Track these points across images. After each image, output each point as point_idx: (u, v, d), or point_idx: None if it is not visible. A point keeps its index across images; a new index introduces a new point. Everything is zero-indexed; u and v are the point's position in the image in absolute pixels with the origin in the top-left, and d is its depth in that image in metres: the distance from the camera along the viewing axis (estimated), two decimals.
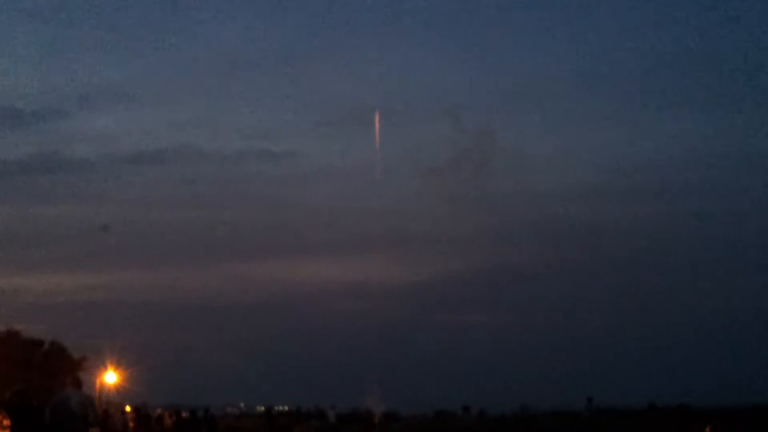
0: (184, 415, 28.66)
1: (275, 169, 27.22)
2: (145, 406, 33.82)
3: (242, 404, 57.82)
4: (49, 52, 27.44)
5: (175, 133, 28.63)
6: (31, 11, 27.94)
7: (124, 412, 30.73)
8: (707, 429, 23.40)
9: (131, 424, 28.42)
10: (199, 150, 27.04)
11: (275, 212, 27.31)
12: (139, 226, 27.53)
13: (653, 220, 28.05)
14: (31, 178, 26.77)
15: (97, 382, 34.28)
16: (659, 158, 27.84)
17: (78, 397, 14.85)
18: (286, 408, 49.61)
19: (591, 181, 27.46)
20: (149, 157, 27.28)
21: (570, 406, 30.82)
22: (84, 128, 27.14)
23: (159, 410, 34.72)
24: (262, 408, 45.07)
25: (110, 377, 34.77)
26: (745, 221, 26.96)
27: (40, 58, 28.00)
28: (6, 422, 16.87)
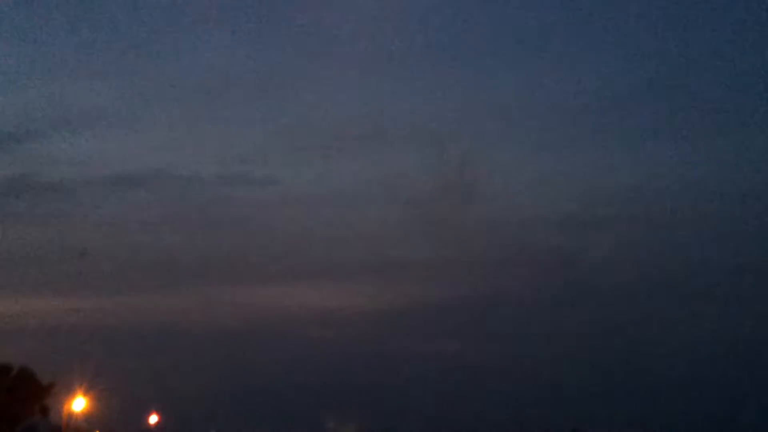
0: None
1: (253, 194, 27.41)
2: None
3: None
4: (28, 74, 27.62)
5: (153, 156, 28.83)
6: (10, 32, 27.99)
7: None
8: None
9: None
10: (176, 174, 27.12)
11: (252, 237, 27.34)
12: (114, 249, 27.35)
13: (630, 248, 28.18)
14: (6, 199, 26.72)
15: (66, 408, 33.71)
16: (638, 186, 28.16)
17: (45, 428, 14.50)
18: None
19: (569, 209, 27.71)
20: (126, 180, 27.31)
21: None
22: (62, 150, 27.17)
23: None
24: None
25: (79, 403, 34.19)
26: (724, 250, 27.20)
27: (19, 80, 28.08)
28: None
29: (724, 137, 29.65)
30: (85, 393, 33.88)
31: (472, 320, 28.51)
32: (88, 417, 34.88)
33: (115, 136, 27.55)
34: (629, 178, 29.44)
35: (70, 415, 33.33)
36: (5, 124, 28.02)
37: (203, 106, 28.31)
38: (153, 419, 41.62)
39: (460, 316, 28.40)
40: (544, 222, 30.00)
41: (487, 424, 37.66)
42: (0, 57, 28.67)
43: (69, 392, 32.99)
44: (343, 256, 28.29)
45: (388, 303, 29.21)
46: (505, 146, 28.53)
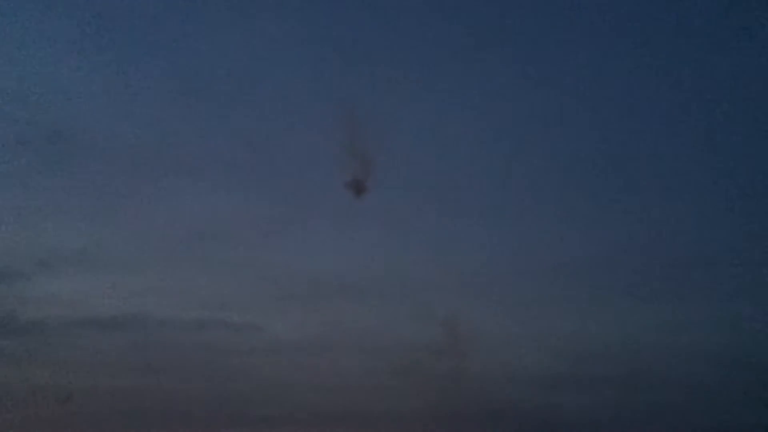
0: None
1: (232, 339, 27.73)
2: None
3: None
4: (10, 215, 28.27)
5: (134, 299, 29.28)
6: None
7: None
8: None
9: None
10: (156, 318, 27.53)
11: (231, 383, 27.43)
12: (92, 392, 27.33)
13: (611, 408, 28.40)
14: None
15: None
16: (619, 346, 28.68)
17: None
18: None
19: (545, 367, 28.13)
20: (106, 322, 27.63)
21: None
22: (43, 291, 27.67)
23: None
24: None
25: None
26: (709, 413, 27.48)
27: (2, 220, 28.79)
28: None
29: (709, 304, 30.59)
30: None
31: None
32: None
33: (97, 278, 28.29)
34: (613, 339, 30.13)
35: None
36: None
37: (185, 252, 29.33)
38: None
39: None
40: (520, 379, 30.43)
41: None
42: None
43: None
44: (321, 405, 28.41)
45: None
46: (483, 303, 29.50)
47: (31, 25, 34.27)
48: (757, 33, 34.30)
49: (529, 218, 34.98)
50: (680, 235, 34.03)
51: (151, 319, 31.74)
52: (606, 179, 35.43)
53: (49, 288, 31.65)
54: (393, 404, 31.84)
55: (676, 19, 35.56)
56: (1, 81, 33.54)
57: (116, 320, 31.41)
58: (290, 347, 31.40)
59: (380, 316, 32.13)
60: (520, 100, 36.68)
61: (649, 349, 31.88)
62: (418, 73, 35.51)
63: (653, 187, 35.17)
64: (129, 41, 34.96)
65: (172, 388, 30.71)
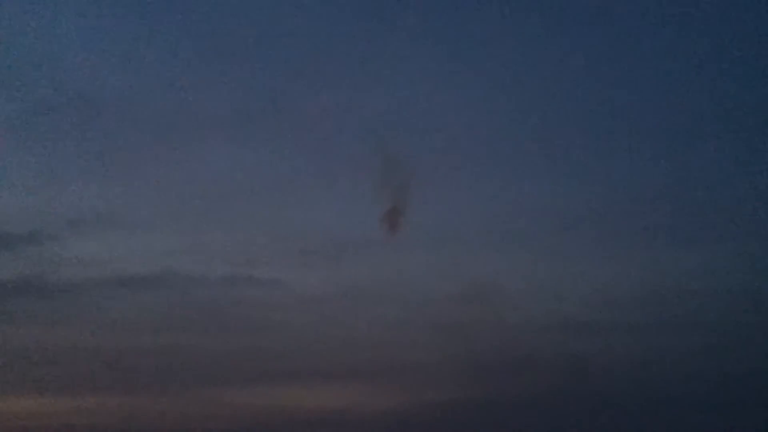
0: None
1: (259, 295, 27.86)
2: None
3: None
4: (37, 178, 28.59)
5: (160, 258, 29.51)
6: (22, 137, 29.35)
7: None
8: None
9: None
10: (182, 275, 27.78)
11: (257, 338, 27.62)
12: (119, 351, 27.65)
13: (639, 354, 28.21)
14: (15, 300, 27.26)
15: None
16: (645, 292, 28.31)
17: None
18: None
19: (575, 314, 27.89)
20: (133, 281, 27.92)
21: None
22: (70, 252, 27.96)
23: None
24: None
25: None
26: (737, 357, 27.17)
27: (28, 183, 29.12)
28: None
29: (740, 246, 30.00)
30: None
31: (476, 423, 28.37)
32: None
33: (123, 238, 28.52)
34: (640, 285, 29.69)
35: None
36: (15, 226, 29.03)
37: (210, 210, 29.41)
38: None
39: (465, 419, 28.27)
40: (550, 326, 30.23)
41: None
42: (13, 162, 29.94)
43: None
44: (348, 358, 28.50)
45: (394, 404, 29.15)
46: (508, 255, 29.23)
47: None
48: None
49: (551, 170, 34.55)
50: (703, 180, 33.42)
51: (179, 277, 31.91)
52: (625, 128, 34.86)
53: (78, 249, 31.91)
54: (421, 356, 31.79)
55: None
56: (21, 46, 33.68)
57: (145, 280, 31.63)
58: (317, 302, 31.41)
59: (405, 270, 32.00)
60: (530, 54, 36.14)
61: (676, 294, 31.46)
62: None
63: (675, 133, 34.52)
64: (151, 2, 34.85)
65: (202, 345, 30.92)
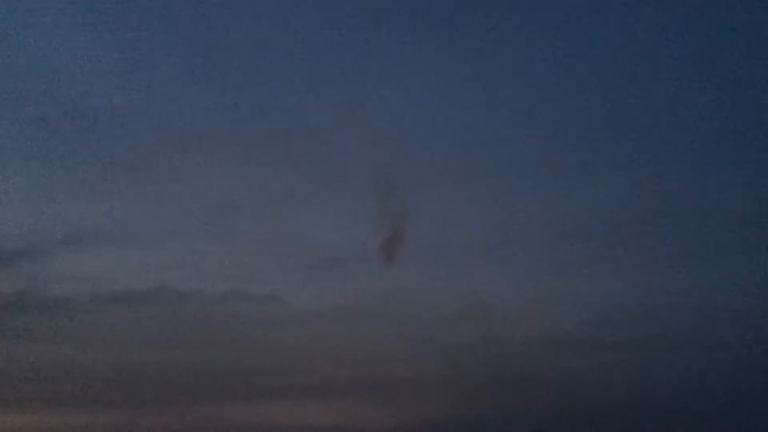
0: None
1: (255, 312, 27.67)
2: None
3: None
4: (34, 193, 28.39)
5: (155, 274, 29.34)
6: (16, 152, 29.15)
7: None
8: None
9: None
10: (180, 291, 27.61)
11: (253, 355, 27.47)
12: (115, 366, 27.50)
13: (636, 371, 28.12)
14: (11, 315, 27.09)
15: None
16: (642, 309, 28.20)
17: None
18: None
19: (571, 331, 27.77)
20: (129, 297, 27.74)
21: None
22: (67, 267, 27.80)
23: None
24: None
25: None
26: (735, 375, 27.04)
27: (25, 199, 28.93)
28: None
29: (731, 264, 29.93)
30: None
31: None
32: None
33: (118, 254, 28.36)
34: (633, 303, 29.61)
35: None
36: (12, 241, 28.89)
37: (206, 225, 29.24)
38: None
39: None
40: (547, 344, 30.19)
41: None
42: (8, 177, 29.83)
43: None
44: (344, 374, 28.39)
45: (390, 421, 29.04)
46: (505, 270, 29.09)
47: (45, 2, 34.22)
48: None
49: (552, 181, 34.48)
50: (704, 196, 33.39)
51: (174, 293, 31.87)
52: (629, 142, 34.80)
53: (73, 265, 31.86)
54: (417, 373, 31.74)
55: None
56: (16, 58, 33.61)
57: (140, 295, 31.58)
58: (314, 318, 31.37)
59: (402, 286, 31.93)
60: (525, 66, 36.09)
61: (673, 312, 31.43)
62: None
63: (673, 151, 34.46)
64: (145, 14, 34.79)
65: (197, 361, 30.87)
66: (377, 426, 30.82)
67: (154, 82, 35.05)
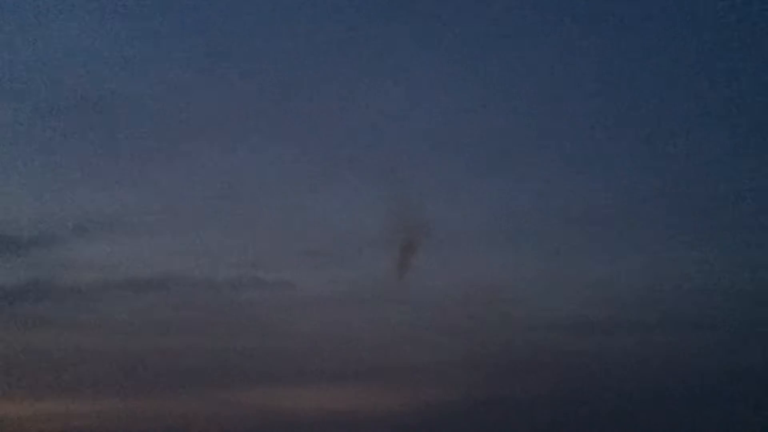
0: None
1: (266, 297, 27.80)
2: None
3: None
4: (45, 181, 28.49)
5: (167, 261, 29.47)
6: (26, 141, 29.23)
7: None
8: None
9: None
10: (189, 278, 27.72)
11: (265, 340, 27.60)
12: (128, 353, 27.68)
13: (642, 352, 28.29)
14: (25, 303, 27.22)
15: None
16: (647, 291, 28.33)
17: None
18: None
19: (575, 313, 27.88)
20: (141, 284, 27.93)
21: None
22: (79, 255, 27.94)
23: None
24: None
25: None
26: (740, 355, 27.23)
27: (38, 187, 29.02)
28: None
29: (745, 246, 30.17)
30: None
31: (481, 424, 28.48)
32: None
33: (129, 241, 28.48)
34: (637, 283, 29.66)
35: None
36: (25, 229, 28.95)
37: (215, 212, 29.34)
38: None
39: (472, 419, 28.36)
40: (550, 325, 30.39)
41: None
42: (19, 167, 29.94)
43: None
44: (356, 359, 28.54)
45: (400, 405, 29.23)
46: (511, 252, 29.23)
47: None
48: None
49: (555, 166, 34.64)
50: (707, 177, 33.54)
51: (185, 279, 31.97)
52: (632, 125, 34.93)
53: (84, 252, 31.94)
54: (427, 357, 31.88)
55: None
56: (26, 48, 33.65)
57: (151, 282, 31.68)
58: (324, 303, 31.48)
59: (411, 271, 32.03)
60: (530, 55, 36.20)
61: (679, 292, 31.60)
62: None
63: (676, 131, 34.61)
64: (153, 3, 34.83)
65: (208, 347, 30.98)
66: (390, 410, 31.00)
67: (162, 71, 35.12)
